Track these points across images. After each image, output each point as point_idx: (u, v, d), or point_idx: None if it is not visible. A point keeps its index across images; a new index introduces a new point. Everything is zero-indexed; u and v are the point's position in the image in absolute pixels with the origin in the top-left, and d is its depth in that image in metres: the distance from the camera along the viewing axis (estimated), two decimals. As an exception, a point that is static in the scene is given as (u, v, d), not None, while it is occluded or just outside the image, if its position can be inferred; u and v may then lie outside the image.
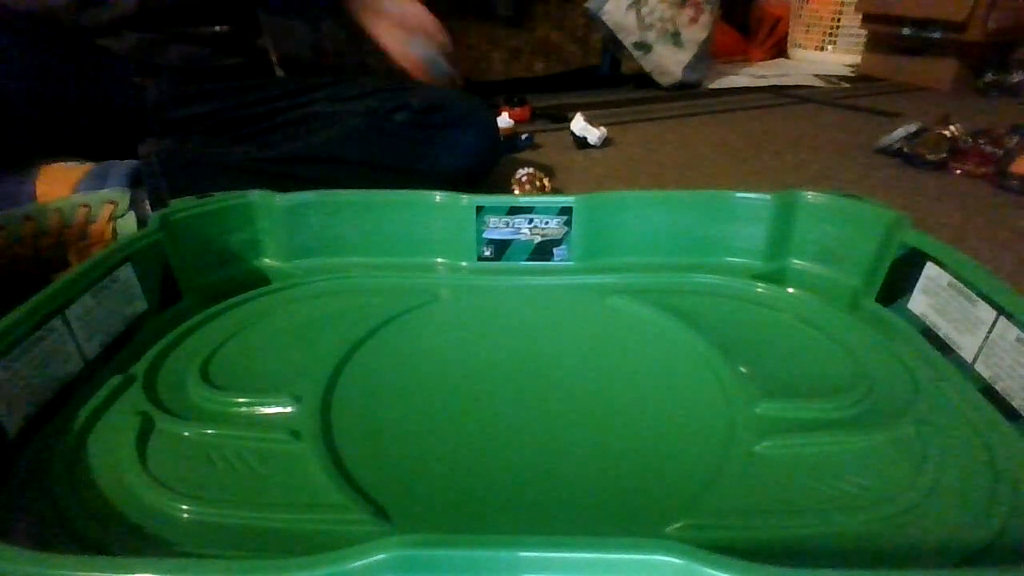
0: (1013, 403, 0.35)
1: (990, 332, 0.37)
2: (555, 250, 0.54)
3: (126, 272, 0.43)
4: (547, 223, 0.53)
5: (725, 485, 0.32)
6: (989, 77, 1.55)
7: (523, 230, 0.53)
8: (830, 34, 1.95)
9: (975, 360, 0.38)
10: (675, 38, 1.55)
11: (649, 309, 0.48)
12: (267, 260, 0.54)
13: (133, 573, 0.21)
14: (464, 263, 0.54)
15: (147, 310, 0.45)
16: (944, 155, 0.97)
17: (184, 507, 0.30)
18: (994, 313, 0.37)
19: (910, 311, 0.44)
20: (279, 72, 0.86)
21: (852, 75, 1.81)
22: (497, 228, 0.53)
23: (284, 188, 0.53)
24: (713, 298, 0.50)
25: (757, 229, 0.53)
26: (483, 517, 0.31)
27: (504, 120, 1.15)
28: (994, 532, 0.29)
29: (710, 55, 1.69)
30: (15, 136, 0.64)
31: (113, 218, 0.59)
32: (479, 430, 0.37)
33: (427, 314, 0.49)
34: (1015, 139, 0.95)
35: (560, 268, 0.54)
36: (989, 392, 0.37)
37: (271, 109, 0.76)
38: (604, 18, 1.51)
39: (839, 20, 1.91)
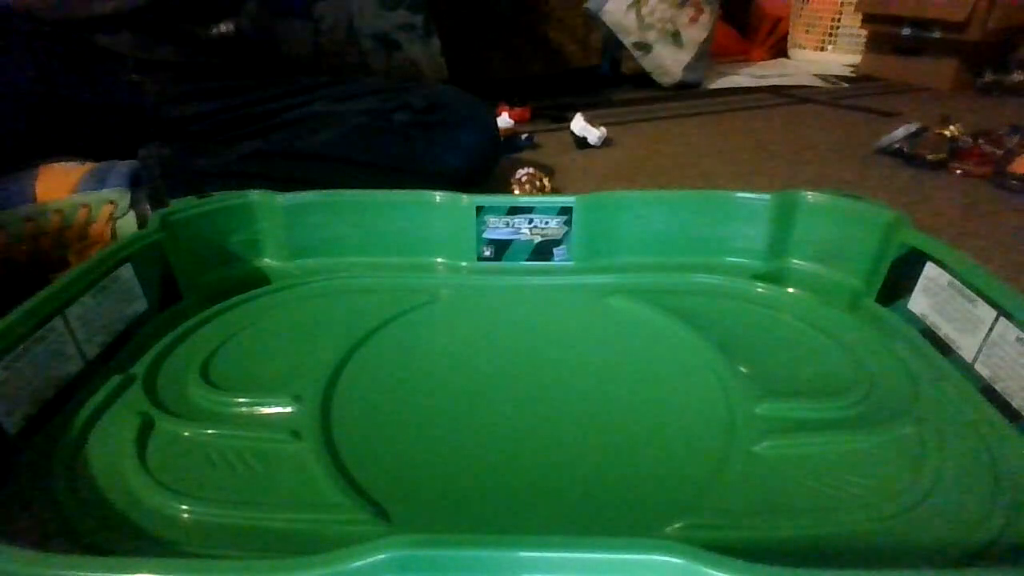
0: (1013, 403, 0.35)
1: (990, 332, 0.37)
2: (555, 250, 0.54)
3: (126, 272, 0.43)
4: (547, 223, 0.53)
5: (725, 485, 0.32)
6: (989, 77, 1.55)
7: (523, 230, 0.53)
8: (830, 34, 1.95)
9: (975, 360, 0.38)
10: (675, 38, 1.55)
11: (649, 309, 0.48)
12: (267, 260, 0.54)
13: (133, 573, 0.21)
14: (464, 263, 0.54)
15: (147, 310, 0.45)
16: (944, 155, 0.97)
17: (184, 507, 0.30)
18: (994, 313, 0.37)
19: (910, 311, 0.44)
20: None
21: (852, 75, 1.81)
22: (497, 228, 0.53)
23: (284, 188, 0.53)
24: (713, 298, 0.50)
25: (757, 229, 0.53)
26: (483, 517, 0.31)
27: (504, 120, 1.15)
28: (994, 532, 0.29)
29: (710, 55, 1.69)
30: (15, 136, 0.64)
31: (113, 218, 0.59)
32: (479, 430, 0.37)
33: (427, 314, 0.49)
34: (1015, 139, 0.95)
35: (560, 268, 0.54)
36: (989, 392, 0.37)
37: (271, 109, 0.76)
38: (604, 18, 1.51)
39: (839, 20, 1.91)
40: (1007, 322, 0.36)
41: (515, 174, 0.82)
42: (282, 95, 0.76)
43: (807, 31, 2.00)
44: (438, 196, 0.53)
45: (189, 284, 0.49)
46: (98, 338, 0.40)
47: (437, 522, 0.31)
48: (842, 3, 1.87)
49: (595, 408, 0.39)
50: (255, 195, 0.53)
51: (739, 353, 0.43)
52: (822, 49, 1.98)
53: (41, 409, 0.35)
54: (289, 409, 0.38)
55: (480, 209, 0.53)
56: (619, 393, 0.40)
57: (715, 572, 0.21)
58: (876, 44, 1.77)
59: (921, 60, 1.64)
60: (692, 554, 0.21)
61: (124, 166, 0.62)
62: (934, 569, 0.28)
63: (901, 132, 1.04)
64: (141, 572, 0.21)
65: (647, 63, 1.58)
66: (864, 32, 1.79)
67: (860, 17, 1.75)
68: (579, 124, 1.09)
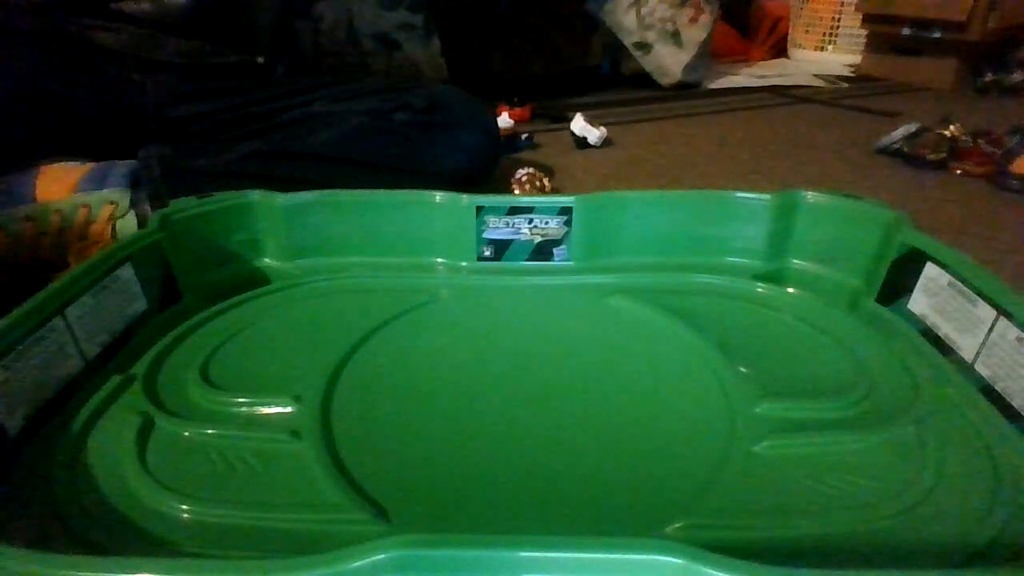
0: (1013, 403, 0.35)
1: (990, 332, 0.37)
2: (555, 250, 0.54)
3: (126, 272, 0.43)
4: (547, 223, 0.53)
5: (725, 485, 0.32)
6: (989, 77, 1.55)
7: (523, 230, 0.53)
8: (830, 34, 1.95)
9: (975, 360, 0.38)
10: (675, 38, 1.55)
11: (649, 309, 0.48)
12: (267, 260, 0.54)
13: (133, 573, 0.21)
14: (464, 263, 0.54)
15: (147, 310, 0.45)
16: (944, 155, 0.97)
17: (184, 507, 0.30)
18: (994, 313, 0.37)
19: (910, 311, 0.44)
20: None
21: (852, 75, 1.81)
22: (497, 228, 0.53)
23: (284, 188, 0.53)
24: (713, 298, 0.50)
25: (757, 229, 0.53)
26: (483, 517, 0.31)
27: (504, 120, 1.15)
28: (994, 532, 0.29)
29: (710, 55, 1.69)
30: (15, 136, 0.64)
31: (113, 218, 0.59)
32: (479, 430, 0.37)
33: (427, 314, 0.49)
34: (1015, 139, 0.95)
35: (560, 268, 0.54)
36: (989, 392, 0.37)
37: (271, 109, 0.76)
38: (604, 18, 1.51)
39: (839, 20, 1.91)
40: (1007, 322, 0.36)
41: (515, 174, 0.82)
42: (282, 95, 0.77)
43: (807, 31, 2.00)
44: (438, 196, 0.53)
45: (189, 284, 0.49)
46: (98, 338, 0.40)
47: (437, 522, 0.31)
48: (842, 3, 1.87)
49: (595, 408, 0.39)
50: (255, 195, 0.53)
51: (739, 353, 0.42)
52: (822, 49, 1.97)
53: (41, 409, 0.35)
54: (289, 409, 0.38)
55: (480, 209, 0.53)
56: (619, 393, 0.40)
57: (715, 572, 0.21)
58: (876, 44, 1.77)
59: (921, 60, 1.64)
60: (692, 554, 0.21)
61: (124, 166, 0.62)
62: (934, 569, 0.28)
63: (901, 132, 1.04)
64: (141, 572, 0.21)
65: (647, 63, 1.58)
66: (864, 32, 1.79)
67: (860, 17, 1.75)
68: (579, 124, 1.09)
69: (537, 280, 0.53)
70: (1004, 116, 1.24)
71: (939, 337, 0.42)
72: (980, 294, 0.38)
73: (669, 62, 1.57)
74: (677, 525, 0.30)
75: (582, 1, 1.50)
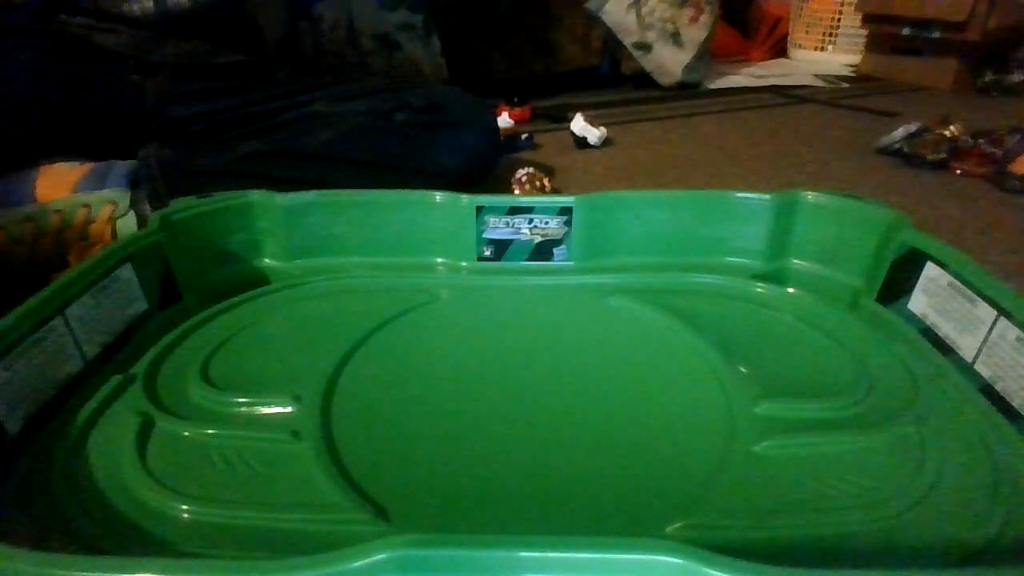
0: (1013, 403, 0.35)
1: (990, 332, 0.37)
2: (555, 250, 0.54)
3: (126, 272, 0.43)
4: (547, 223, 0.53)
5: (725, 485, 0.32)
6: (989, 77, 1.55)
7: (523, 230, 0.53)
8: (830, 34, 1.95)
9: (975, 360, 0.38)
10: (675, 38, 1.55)
11: (649, 309, 0.48)
12: (267, 260, 0.54)
13: (133, 573, 0.21)
14: (464, 263, 0.54)
15: (147, 310, 0.45)
16: (944, 155, 0.97)
17: (184, 507, 0.30)
18: (994, 313, 0.37)
19: (910, 311, 0.44)
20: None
21: (852, 75, 1.80)
22: (497, 228, 0.53)
23: (284, 188, 0.53)
24: (713, 298, 0.50)
25: (757, 229, 0.53)
26: (482, 517, 0.31)
27: (504, 120, 1.15)
28: (994, 532, 0.29)
29: (710, 55, 1.69)
30: (15, 136, 0.64)
31: (113, 218, 0.59)
32: (479, 430, 0.37)
33: (427, 314, 0.49)
34: (1015, 139, 0.95)
35: (560, 268, 0.54)
36: (989, 392, 0.37)
37: (271, 109, 0.76)
38: (604, 18, 1.51)
39: (839, 20, 1.91)
40: (1007, 322, 0.36)
41: (515, 174, 0.82)
42: (282, 95, 0.76)
43: (807, 31, 2.00)
44: (438, 196, 0.53)
45: (189, 284, 0.49)
46: (98, 338, 0.40)
47: (437, 522, 0.31)
48: (842, 3, 1.87)
49: (595, 408, 0.39)
50: (255, 195, 0.53)
51: (739, 353, 0.43)
52: (822, 49, 1.97)
53: (41, 409, 0.35)
54: (289, 409, 0.38)
55: (480, 209, 0.53)
56: (619, 393, 0.40)
57: (715, 572, 0.21)
58: (876, 44, 1.77)
59: (921, 60, 1.64)
60: (692, 554, 0.21)
61: (124, 166, 0.62)
62: (934, 569, 0.28)
63: (901, 132, 1.03)
64: (141, 572, 0.21)
65: (647, 63, 1.58)
66: (864, 32, 1.79)
67: (860, 17, 1.75)
68: (579, 124, 1.09)
69: (537, 280, 0.53)
70: (1004, 116, 1.24)
71: (939, 337, 0.42)
72: (980, 294, 0.38)
73: (669, 62, 1.57)
74: (677, 525, 0.30)
75: (582, 1, 1.50)
